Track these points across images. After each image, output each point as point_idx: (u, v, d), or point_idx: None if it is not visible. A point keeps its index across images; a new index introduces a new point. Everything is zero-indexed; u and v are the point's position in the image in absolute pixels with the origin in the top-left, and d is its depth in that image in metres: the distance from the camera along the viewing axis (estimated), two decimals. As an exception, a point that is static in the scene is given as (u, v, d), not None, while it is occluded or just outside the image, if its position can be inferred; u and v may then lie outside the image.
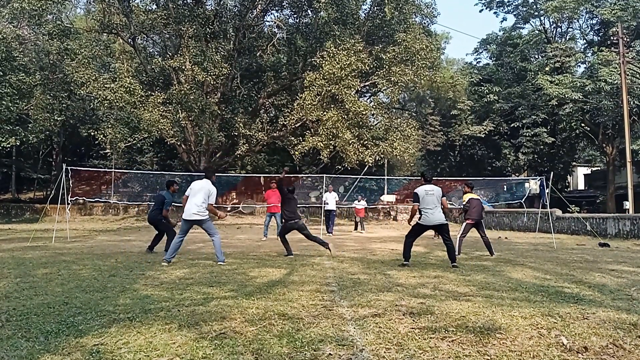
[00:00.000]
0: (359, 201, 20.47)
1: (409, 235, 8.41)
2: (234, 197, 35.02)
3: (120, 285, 5.76)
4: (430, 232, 10.77)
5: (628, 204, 23.14)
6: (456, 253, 9.86)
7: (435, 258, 9.36)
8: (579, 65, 35.13)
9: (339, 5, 25.21)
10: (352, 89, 23.69)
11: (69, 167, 14.22)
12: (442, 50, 44.53)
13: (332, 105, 23.58)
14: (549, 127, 36.66)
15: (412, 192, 8.35)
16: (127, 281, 6.10)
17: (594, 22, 36.06)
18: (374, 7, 28.24)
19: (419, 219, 8.26)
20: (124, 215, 29.90)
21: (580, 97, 29.71)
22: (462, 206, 10.44)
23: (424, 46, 24.66)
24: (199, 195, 8.09)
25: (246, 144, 27.03)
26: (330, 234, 17.28)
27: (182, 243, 8.33)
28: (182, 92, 22.94)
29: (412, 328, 3.73)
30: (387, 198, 32.71)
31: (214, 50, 25.15)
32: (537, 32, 37.78)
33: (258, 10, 28.21)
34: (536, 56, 39.34)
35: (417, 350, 3.19)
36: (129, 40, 26.69)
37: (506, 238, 16.70)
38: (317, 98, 23.22)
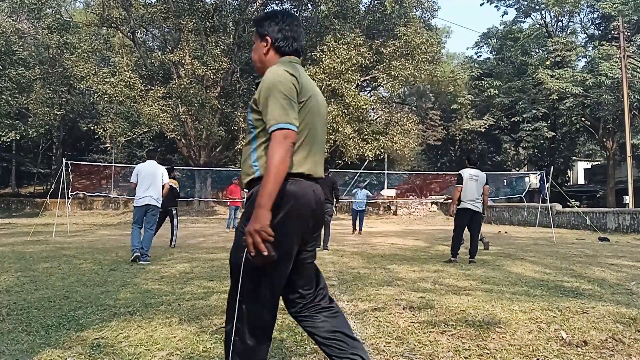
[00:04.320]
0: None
1: (457, 228, 7.86)
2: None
3: (120, 280, 5.77)
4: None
5: (628, 199, 23.14)
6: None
7: (436, 252, 9.37)
8: (580, 60, 35.06)
9: (339, -1, 25.16)
10: (352, 83, 23.66)
11: (69, 162, 14.24)
12: (442, 44, 44.36)
13: (332, 100, 23.55)
14: (549, 121, 36.57)
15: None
16: (127, 275, 6.11)
17: (595, 16, 35.96)
18: (374, 0, 28.16)
19: (459, 204, 7.76)
20: (125, 209, 29.92)
21: (581, 91, 29.64)
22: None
23: (425, 40, 24.59)
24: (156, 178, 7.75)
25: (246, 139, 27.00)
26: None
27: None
28: (182, 86, 22.90)
29: (412, 322, 3.74)
30: (388, 193, 32.70)
31: (213, 44, 25.08)
32: (537, 26, 37.62)
33: (258, 3, 28.10)
34: (537, 50, 39.19)
35: (416, 344, 3.20)
36: (129, 34, 26.62)
37: (506, 232, 16.72)
38: (317, 92, 23.17)
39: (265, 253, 1.82)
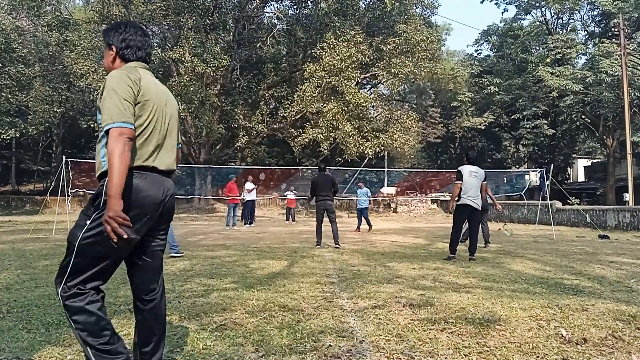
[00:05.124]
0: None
1: (456, 224, 7.80)
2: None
3: (120, 277, 5.74)
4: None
5: (628, 196, 23.14)
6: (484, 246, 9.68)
7: (436, 249, 9.38)
8: (580, 57, 35.02)
9: (339, -4, 25.12)
10: (352, 81, 23.63)
11: (68, 159, 14.22)
12: (442, 41, 44.36)
13: (332, 97, 23.54)
14: (549, 119, 36.58)
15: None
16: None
17: (595, 13, 35.91)
18: (374, -2, 28.11)
19: (458, 201, 7.70)
20: (124, 207, 29.88)
21: (581, 88, 29.62)
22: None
23: (425, 38, 24.56)
24: None
25: (246, 136, 27.00)
26: (251, 225, 17.31)
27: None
28: (182, 83, 22.88)
29: (412, 319, 3.74)
30: (387, 190, 32.70)
31: (213, 41, 25.05)
32: (538, 23, 37.57)
33: (258, 1, 28.07)
34: (537, 48, 39.13)
35: (416, 341, 3.20)
36: (128, 31, 26.55)
37: (506, 230, 16.71)
38: (317, 90, 23.16)
39: (125, 236, 2.01)
